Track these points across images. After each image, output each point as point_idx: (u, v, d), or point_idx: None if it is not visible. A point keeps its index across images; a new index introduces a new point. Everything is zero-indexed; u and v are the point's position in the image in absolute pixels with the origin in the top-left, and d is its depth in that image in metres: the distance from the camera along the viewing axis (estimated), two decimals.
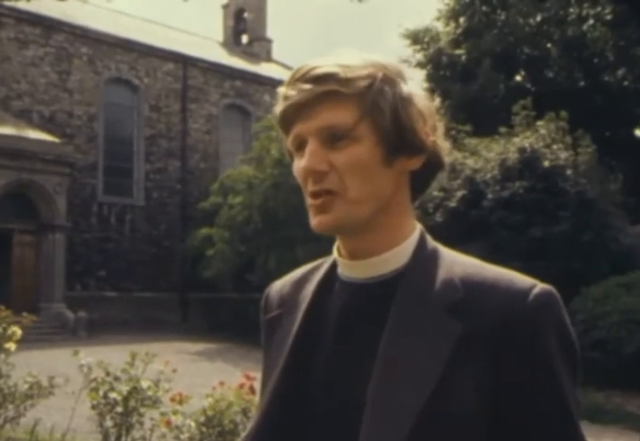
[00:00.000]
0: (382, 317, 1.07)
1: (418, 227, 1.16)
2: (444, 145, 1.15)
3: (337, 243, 1.18)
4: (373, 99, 1.07)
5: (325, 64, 1.08)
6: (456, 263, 1.11)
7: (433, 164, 1.14)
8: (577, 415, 1.05)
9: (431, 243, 1.15)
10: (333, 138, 1.07)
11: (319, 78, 1.06)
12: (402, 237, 1.13)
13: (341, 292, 1.15)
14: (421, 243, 1.14)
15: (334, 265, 1.19)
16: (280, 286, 1.28)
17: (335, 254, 1.19)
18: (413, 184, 1.15)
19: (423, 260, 1.11)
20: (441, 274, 1.09)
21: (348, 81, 1.06)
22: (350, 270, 1.15)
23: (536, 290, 1.05)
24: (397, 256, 1.12)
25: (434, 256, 1.12)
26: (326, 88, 1.06)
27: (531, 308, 1.03)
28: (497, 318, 1.03)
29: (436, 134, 1.13)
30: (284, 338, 1.17)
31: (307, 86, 1.07)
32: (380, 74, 1.09)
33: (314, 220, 1.10)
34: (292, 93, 1.08)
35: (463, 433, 1.00)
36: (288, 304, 1.21)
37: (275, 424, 1.12)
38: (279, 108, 1.11)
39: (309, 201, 1.10)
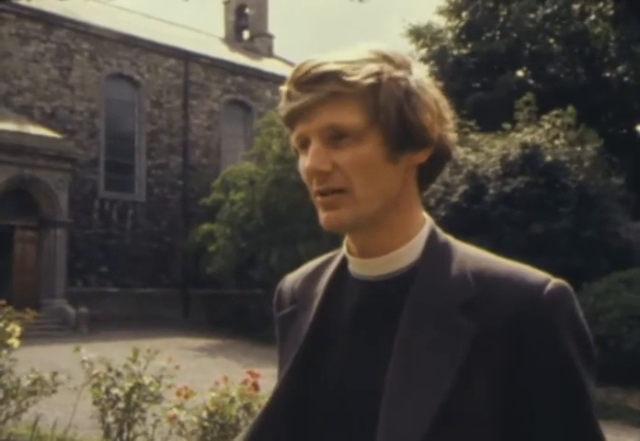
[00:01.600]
0: (394, 315, 1.06)
1: (428, 220, 1.14)
2: (451, 135, 1.13)
3: (346, 240, 1.16)
4: (376, 97, 1.05)
5: (326, 62, 1.05)
6: (468, 257, 1.09)
7: (440, 156, 1.12)
8: (596, 411, 1.04)
9: (442, 236, 1.14)
10: (336, 137, 1.05)
11: (320, 78, 1.05)
12: (412, 233, 1.11)
13: (353, 290, 1.14)
14: (432, 237, 1.12)
15: (344, 261, 1.18)
16: (292, 281, 1.26)
17: (344, 250, 1.17)
18: (420, 176, 1.13)
19: (434, 255, 1.10)
20: (454, 269, 1.07)
21: (349, 80, 1.04)
22: (361, 268, 1.13)
23: (549, 286, 1.03)
24: (408, 253, 1.10)
25: (446, 251, 1.11)
26: (328, 89, 1.04)
27: (545, 304, 1.01)
28: (511, 315, 1.01)
29: (443, 125, 1.11)
30: (297, 336, 1.16)
31: (309, 87, 1.05)
32: (384, 69, 1.06)
33: (322, 217, 1.09)
34: (294, 93, 1.07)
35: (479, 432, 0.99)
36: (300, 301, 1.20)
37: (278, 425, 1.11)
38: (282, 108, 1.10)
39: (317, 199, 1.09)
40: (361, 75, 1.05)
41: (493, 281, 1.05)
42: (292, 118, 1.09)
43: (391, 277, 1.10)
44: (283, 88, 1.09)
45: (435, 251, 1.10)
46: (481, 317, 1.02)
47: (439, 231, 1.14)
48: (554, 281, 1.04)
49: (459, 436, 0.98)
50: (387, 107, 1.05)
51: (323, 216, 1.09)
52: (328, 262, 1.22)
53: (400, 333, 1.04)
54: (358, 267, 1.14)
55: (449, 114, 1.13)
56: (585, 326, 1.05)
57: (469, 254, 1.10)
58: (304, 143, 1.09)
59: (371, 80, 1.05)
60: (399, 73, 1.08)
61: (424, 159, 1.10)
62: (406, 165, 1.09)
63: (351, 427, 1.06)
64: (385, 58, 1.08)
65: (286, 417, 1.11)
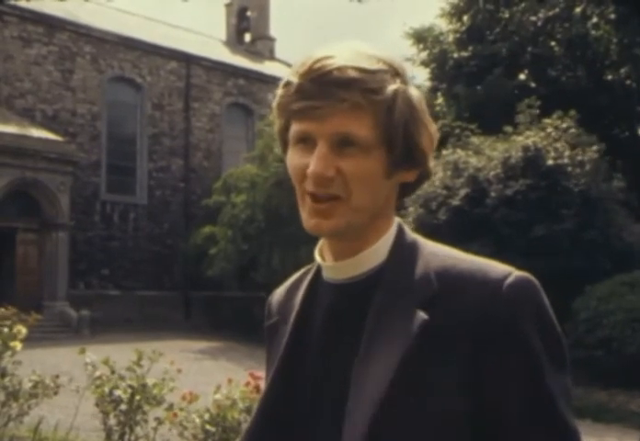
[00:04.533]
0: (363, 316, 1.08)
1: (396, 221, 1.16)
2: (432, 156, 1.16)
3: (318, 247, 1.18)
4: (391, 115, 1.06)
5: (345, 66, 1.04)
6: (434, 255, 1.10)
7: (424, 176, 1.16)
8: (565, 403, 1.02)
9: (410, 235, 1.15)
10: (343, 144, 1.05)
11: (344, 84, 1.03)
12: (381, 235, 1.13)
13: (326, 295, 1.16)
14: (399, 237, 1.14)
15: (319, 269, 1.20)
16: (279, 293, 1.30)
17: (317, 258, 1.19)
18: (401, 191, 1.15)
19: (400, 255, 1.11)
20: (418, 268, 1.08)
21: (370, 91, 1.04)
22: (333, 272, 1.15)
23: (509, 280, 1.03)
24: (375, 254, 1.12)
25: (412, 250, 1.12)
26: (352, 99, 1.03)
27: (505, 299, 1.01)
28: (473, 311, 1.01)
29: (432, 146, 1.14)
30: (278, 346, 1.19)
31: (330, 90, 1.04)
32: (398, 86, 1.07)
33: (312, 222, 1.09)
34: (309, 89, 1.05)
35: (436, 428, 0.99)
36: (282, 312, 1.24)
37: (264, 430, 1.14)
38: (290, 100, 1.07)
39: (306, 200, 1.09)
40: (380, 87, 1.05)
41: (456, 278, 1.05)
42: (299, 114, 1.07)
43: (359, 279, 1.12)
44: (292, 79, 1.07)
45: (401, 250, 1.12)
46: (443, 314, 1.03)
47: (407, 230, 1.16)
48: (515, 274, 1.04)
49: (409, 432, 0.99)
50: (398, 126, 1.07)
51: (312, 222, 1.09)
52: (306, 273, 1.25)
53: (366, 333, 1.06)
54: (330, 272, 1.16)
55: (435, 135, 1.15)
56: (552, 319, 1.05)
57: (435, 252, 1.12)
58: (305, 140, 1.08)
59: (388, 94, 1.06)
60: (410, 93, 1.09)
61: (413, 178, 1.13)
62: (397, 181, 1.12)
63: (324, 431, 1.08)
64: (397, 73, 1.09)
65: (274, 424, 1.14)
